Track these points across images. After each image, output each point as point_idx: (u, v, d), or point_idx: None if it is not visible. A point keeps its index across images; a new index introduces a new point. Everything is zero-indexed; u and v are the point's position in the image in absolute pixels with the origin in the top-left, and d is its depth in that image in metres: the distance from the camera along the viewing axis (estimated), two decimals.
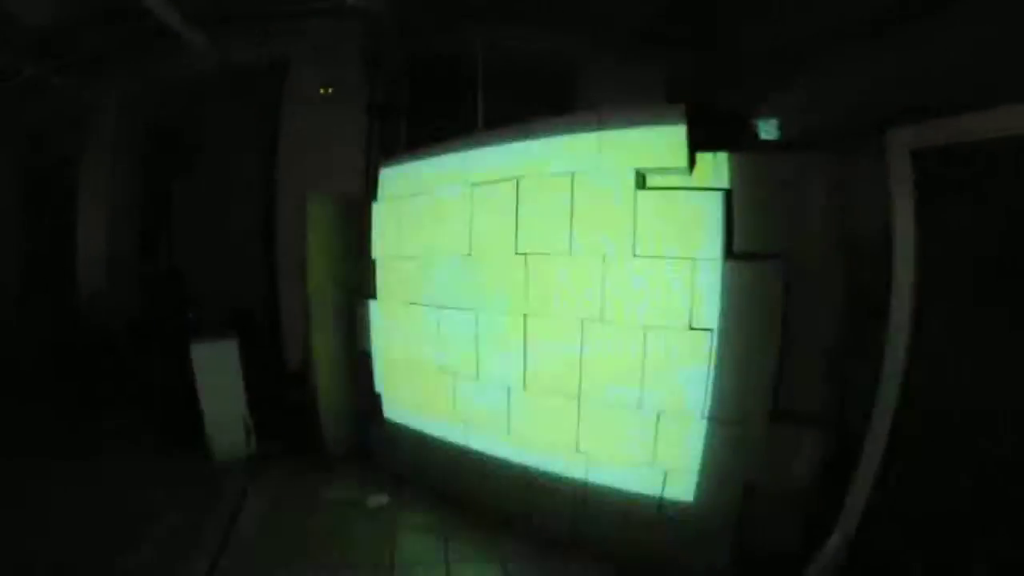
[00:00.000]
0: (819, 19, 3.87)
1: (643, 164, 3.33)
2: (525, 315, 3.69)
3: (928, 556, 2.80)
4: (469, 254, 3.97)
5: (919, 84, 3.10)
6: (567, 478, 3.70)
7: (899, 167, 2.69)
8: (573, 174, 3.49)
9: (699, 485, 3.34)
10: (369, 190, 4.72)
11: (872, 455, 2.91)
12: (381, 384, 4.73)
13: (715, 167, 3.25)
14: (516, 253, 3.71)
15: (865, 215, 3.18)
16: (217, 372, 4.77)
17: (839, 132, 3.23)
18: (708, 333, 3.20)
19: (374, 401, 4.76)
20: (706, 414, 3.26)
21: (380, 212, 4.66)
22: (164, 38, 5.03)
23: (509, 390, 3.83)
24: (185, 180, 6.12)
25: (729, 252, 3.17)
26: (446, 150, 4.15)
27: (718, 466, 3.30)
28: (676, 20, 4.73)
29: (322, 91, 4.79)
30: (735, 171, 3.22)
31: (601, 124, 3.41)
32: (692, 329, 3.23)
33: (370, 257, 4.73)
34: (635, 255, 3.32)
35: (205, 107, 5.86)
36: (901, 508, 2.87)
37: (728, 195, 3.18)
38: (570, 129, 3.51)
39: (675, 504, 3.41)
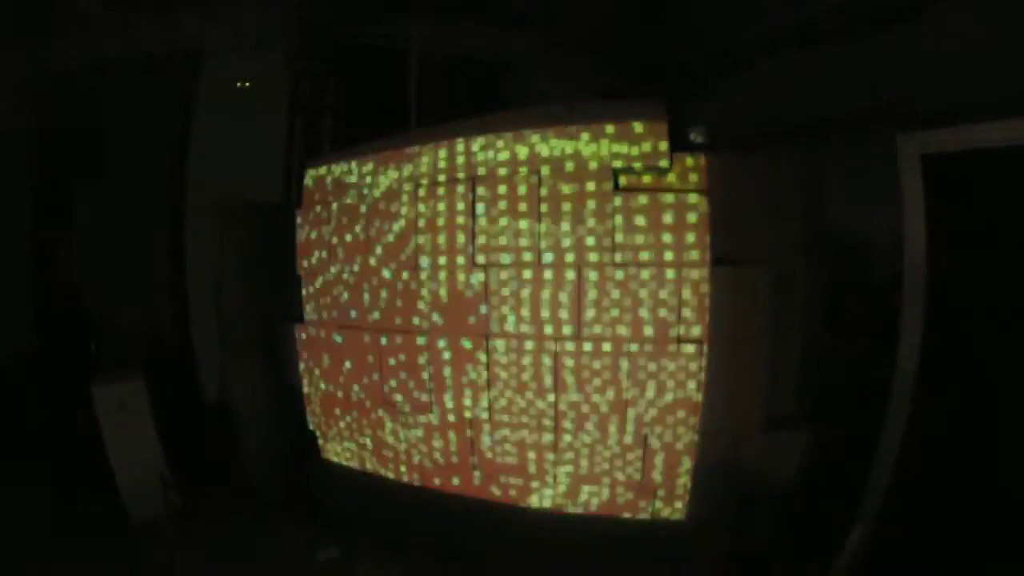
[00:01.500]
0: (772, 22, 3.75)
1: (619, 163, 3.01)
2: (487, 336, 3.25)
3: (947, 550, 2.73)
4: (416, 267, 3.47)
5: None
6: (543, 511, 3.32)
7: (909, 171, 2.57)
8: (540, 172, 3.09)
9: (691, 501, 3.12)
10: (292, 195, 4.10)
11: (887, 452, 2.81)
12: (315, 421, 4.10)
13: (694, 167, 3.01)
14: (474, 264, 3.26)
15: (851, 214, 3.08)
16: (125, 418, 3.99)
17: (818, 131, 3.07)
18: (697, 345, 2.95)
19: (307, 440, 4.14)
20: (698, 429, 3.01)
21: (307, 220, 4.03)
22: (64, 16, 4.13)
23: (470, 421, 3.38)
24: (84, 183, 5.11)
25: (716, 257, 2.94)
26: (386, 147, 3.61)
27: (711, 480, 3.08)
28: (622, 21, 4.49)
29: (239, 84, 4.10)
30: (715, 171, 2.99)
31: (572, 117, 3.04)
32: (681, 341, 2.96)
33: (295, 273, 4.11)
34: (615, 263, 2.98)
35: (108, 100, 4.91)
36: (919, 502, 2.82)
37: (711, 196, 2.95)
38: (538, 123, 3.11)
39: (666, 524, 3.16)
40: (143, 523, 4.02)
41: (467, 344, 3.30)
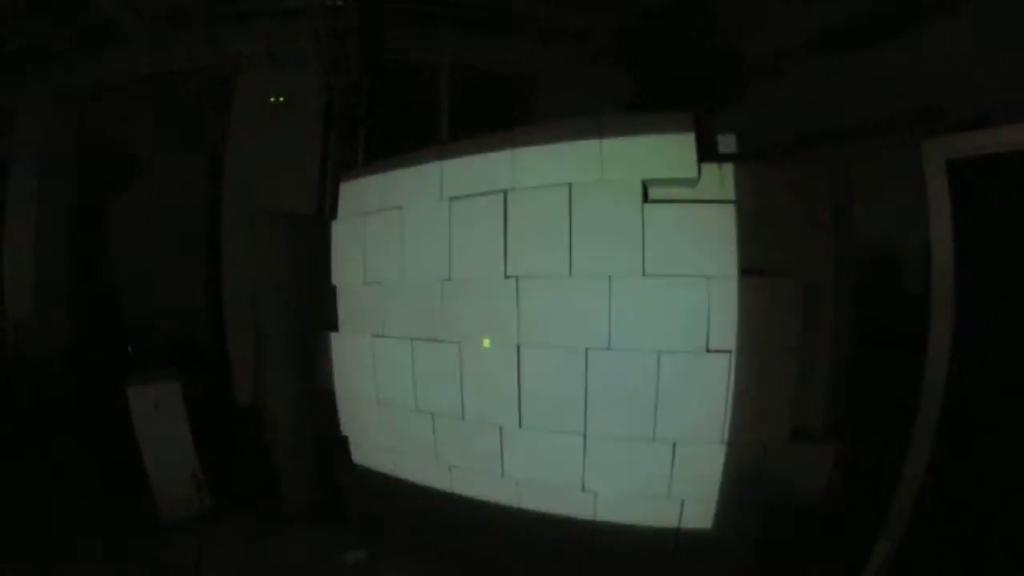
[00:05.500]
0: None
1: (648, 175, 3.07)
2: (518, 346, 3.31)
3: (975, 562, 2.72)
4: (449, 278, 3.55)
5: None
6: (571, 519, 3.35)
7: (935, 176, 2.59)
8: (571, 186, 3.16)
9: (718, 511, 3.15)
10: (326, 207, 4.23)
11: (915, 464, 2.82)
12: (348, 426, 4.20)
13: (721, 178, 3.05)
14: (506, 276, 3.33)
15: (878, 222, 3.10)
16: (160, 419, 4.11)
17: (844, 139, 3.10)
18: (726, 355, 2.99)
19: (339, 445, 4.24)
20: (725, 439, 3.04)
21: (341, 232, 4.14)
22: (106, 34, 4.35)
23: (501, 429, 3.43)
24: (122, 193, 5.32)
25: (744, 268, 2.97)
26: (419, 161, 3.71)
27: (738, 489, 3.10)
28: (646, 33, 4.56)
29: (273, 100, 4.24)
30: (742, 182, 3.04)
31: (603, 131, 3.11)
32: (709, 352, 2.99)
33: (330, 283, 4.22)
34: (645, 274, 3.03)
35: (147, 113, 5.09)
36: (946, 514, 2.81)
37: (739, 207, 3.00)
38: (567, 136, 3.19)
39: (693, 533, 3.19)
40: (174, 522, 4.14)
41: (498, 353, 3.36)
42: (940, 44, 2.82)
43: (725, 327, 2.97)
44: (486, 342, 3.40)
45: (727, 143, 4.22)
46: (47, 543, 3.77)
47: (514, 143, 3.33)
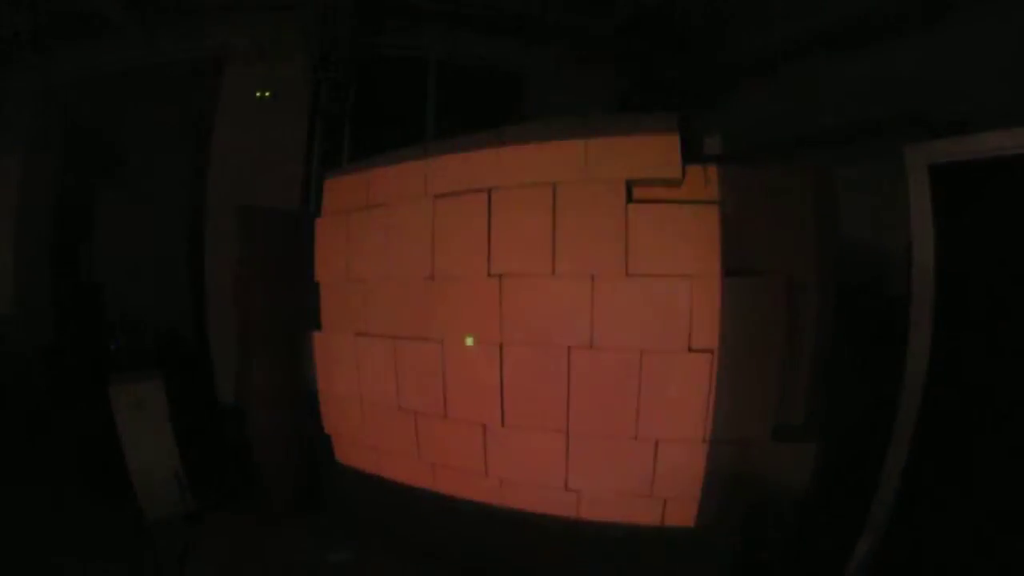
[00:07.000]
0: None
1: (633, 175, 3.07)
2: (501, 345, 3.31)
3: (955, 561, 2.75)
4: (432, 277, 3.54)
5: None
6: (555, 518, 3.36)
7: (917, 181, 2.62)
8: (555, 185, 3.16)
9: (701, 510, 3.15)
10: (311, 204, 4.20)
11: (896, 458, 2.86)
12: (331, 425, 4.18)
13: (706, 179, 3.06)
14: (489, 274, 3.32)
15: (861, 225, 3.13)
16: (142, 418, 4.07)
17: (828, 142, 3.12)
18: (708, 354, 2.99)
19: (323, 444, 4.21)
20: (707, 437, 3.05)
21: (325, 229, 4.13)
22: (92, 24, 4.28)
23: (484, 428, 3.43)
24: (106, 187, 5.22)
25: (727, 268, 2.99)
26: (404, 158, 3.69)
27: (721, 489, 3.12)
28: (636, 32, 4.57)
29: (259, 95, 4.20)
30: (726, 183, 3.05)
31: (588, 131, 3.11)
32: (691, 351, 3.00)
33: (313, 280, 4.19)
34: (628, 274, 3.04)
35: (131, 105, 5.02)
36: (928, 512, 2.85)
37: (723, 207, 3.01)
38: (553, 135, 3.18)
39: (676, 532, 3.19)
40: (158, 522, 4.08)
41: (481, 352, 3.35)
42: (925, 50, 2.84)
43: (708, 327, 2.99)
44: (469, 340, 3.40)
45: (713, 144, 4.28)
46: (27, 542, 3.72)
47: (500, 141, 3.33)
